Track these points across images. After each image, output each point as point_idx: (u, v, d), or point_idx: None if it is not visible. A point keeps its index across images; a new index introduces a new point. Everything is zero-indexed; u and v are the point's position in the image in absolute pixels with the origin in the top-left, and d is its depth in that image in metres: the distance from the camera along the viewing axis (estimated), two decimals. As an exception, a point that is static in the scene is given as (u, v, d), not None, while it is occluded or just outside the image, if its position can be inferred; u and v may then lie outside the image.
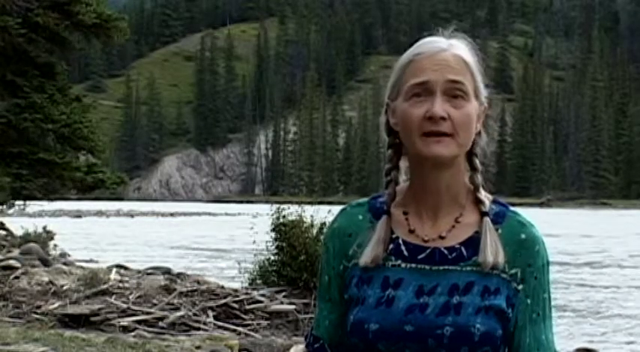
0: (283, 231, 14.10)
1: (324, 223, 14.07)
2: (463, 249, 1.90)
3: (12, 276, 14.63)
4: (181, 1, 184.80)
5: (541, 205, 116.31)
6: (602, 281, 26.53)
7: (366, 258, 1.92)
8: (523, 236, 1.91)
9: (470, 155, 1.94)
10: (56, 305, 12.74)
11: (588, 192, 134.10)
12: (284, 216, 14.26)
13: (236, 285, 14.96)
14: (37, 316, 12.37)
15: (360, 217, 1.98)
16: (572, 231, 53.70)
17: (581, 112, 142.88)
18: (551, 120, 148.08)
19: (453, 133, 1.85)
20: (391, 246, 1.92)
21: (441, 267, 1.88)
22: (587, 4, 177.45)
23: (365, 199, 2.03)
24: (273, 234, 14.30)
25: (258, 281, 14.47)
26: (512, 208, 1.97)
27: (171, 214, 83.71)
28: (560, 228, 53.08)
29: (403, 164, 1.98)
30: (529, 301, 1.90)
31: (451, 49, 1.90)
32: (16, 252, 18.88)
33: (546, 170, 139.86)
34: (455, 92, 1.87)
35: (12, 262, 15.97)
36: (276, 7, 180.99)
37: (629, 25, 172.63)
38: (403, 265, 1.90)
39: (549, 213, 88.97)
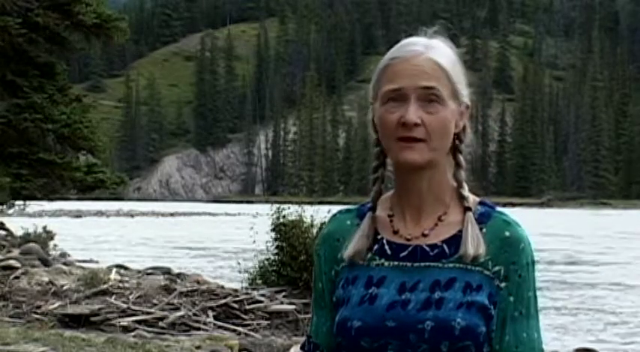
0: (283, 231, 14.11)
1: (324, 223, 14.05)
2: (445, 246, 1.91)
3: (12, 276, 14.64)
4: (181, 1, 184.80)
5: (541, 205, 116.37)
6: (601, 280, 26.53)
7: (348, 251, 1.95)
8: (507, 234, 1.92)
9: (454, 152, 1.96)
10: (56, 305, 12.74)
11: (588, 192, 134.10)
12: (284, 216, 14.27)
13: (236, 285, 14.97)
14: (37, 316, 12.37)
15: (349, 222, 2.02)
16: (572, 230, 53.68)
17: (581, 112, 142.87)
18: (551, 120, 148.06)
19: (427, 139, 1.87)
20: (376, 246, 1.95)
21: (423, 264, 1.90)
22: (587, 4, 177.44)
23: (354, 206, 2.06)
24: (273, 234, 14.31)
25: (258, 281, 14.47)
26: (499, 209, 1.97)
27: (171, 214, 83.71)
28: (560, 228, 53.08)
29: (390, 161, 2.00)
30: (512, 299, 1.90)
31: (427, 53, 1.90)
32: (16, 252, 18.88)
33: (546, 170, 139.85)
34: (429, 97, 1.88)
35: (12, 262, 15.97)
36: (276, 7, 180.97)
37: (629, 25, 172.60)
38: (386, 263, 1.92)
39: (549, 213, 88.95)
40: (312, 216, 14.22)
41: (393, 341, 1.84)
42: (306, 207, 14.80)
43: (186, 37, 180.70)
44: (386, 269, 1.92)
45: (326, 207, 14.84)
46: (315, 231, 14.06)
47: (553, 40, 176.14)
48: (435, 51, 1.91)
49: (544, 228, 48.89)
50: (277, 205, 14.59)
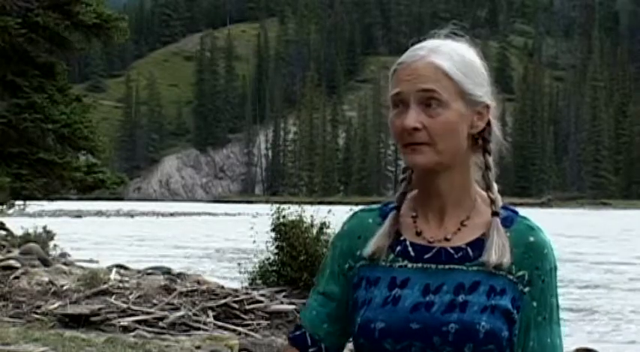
0: (283, 231, 14.12)
1: (324, 223, 14.10)
2: (469, 249, 1.91)
3: (12, 276, 14.64)
4: (181, 1, 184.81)
5: (541, 205, 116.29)
6: (600, 280, 26.53)
7: (369, 248, 1.94)
8: (532, 239, 1.92)
9: (483, 153, 1.96)
10: (56, 305, 12.73)
11: (588, 192, 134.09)
12: (284, 216, 14.28)
13: (236, 285, 14.97)
14: (37, 316, 12.36)
15: (370, 220, 2.00)
16: (572, 231, 53.69)
17: (581, 112, 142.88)
18: (551, 120, 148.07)
19: (430, 142, 1.87)
20: (398, 247, 1.94)
21: (447, 266, 1.89)
22: (587, 4, 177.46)
23: (377, 205, 2.05)
24: (273, 234, 14.32)
25: (258, 281, 14.48)
26: (521, 213, 1.97)
27: (171, 214, 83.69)
28: (559, 228, 53.07)
29: None
30: (535, 304, 1.90)
31: (428, 57, 1.89)
32: (16, 252, 18.89)
33: (546, 170, 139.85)
34: (428, 101, 1.87)
35: (12, 262, 15.97)
36: (276, 7, 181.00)
37: (629, 25, 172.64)
38: (410, 265, 1.91)
39: (549, 212, 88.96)
40: (312, 216, 14.22)
41: (416, 342, 1.84)
42: (306, 207, 14.80)
43: (186, 37, 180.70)
44: (409, 270, 1.91)
45: (326, 207, 14.89)
46: (315, 231, 14.07)
47: (553, 40, 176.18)
48: (438, 54, 1.90)
49: (544, 228, 48.80)
50: (277, 205, 14.59)
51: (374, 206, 2.05)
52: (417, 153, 1.87)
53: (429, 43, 1.93)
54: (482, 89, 1.94)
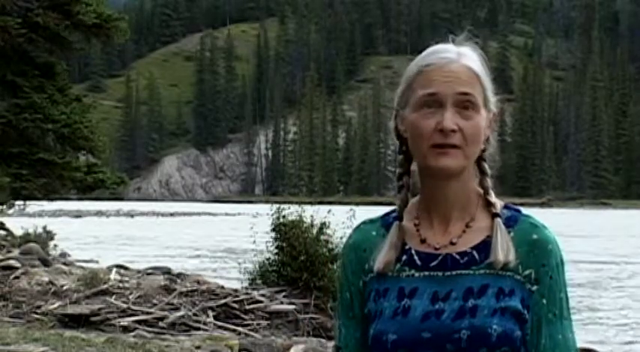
0: (283, 231, 14.10)
1: (324, 223, 14.08)
2: (475, 252, 1.90)
3: (12, 276, 14.64)
4: (181, 1, 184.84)
5: (541, 205, 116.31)
6: (601, 279, 26.53)
7: (378, 263, 1.94)
8: (535, 236, 1.91)
9: (479, 160, 1.96)
10: (56, 305, 12.73)
11: (588, 192, 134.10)
12: (284, 216, 14.26)
13: (236, 285, 14.97)
14: (37, 316, 12.36)
15: (374, 233, 2.00)
16: (572, 231, 53.72)
17: (581, 112, 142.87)
18: (551, 120, 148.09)
19: (462, 145, 1.87)
20: (404, 257, 1.93)
21: (454, 272, 1.89)
22: (587, 4, 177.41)
23: (378, 216, 2.04)
24: (273, 234, 14.30)
25: (258, 281, 14.46)
26: (524, 212, 1.98)
27: (171, 214, 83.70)
28: (560, 228, 53.07)
29: (415, 168, 1.98)
30: (544, 301, 1.90)
31: (461, 60, 1.90)
32: (16, 252, 18.87)
33: (546, 170, 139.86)
34: (465, 104, 1.88)
35: (12, 262, 15.96)
36: (276, 7, 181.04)
37: (629, 25, 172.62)
38: (417, 274, 1.91)
39: (549, 213, 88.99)
40: (312, 216, 14.21)
41: (429, 351, 1.84)
42: (306, 207, 14.79)
43: (186, 37, 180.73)
44: (417, 280, 1.91)
45: (326, 207, 14.88)
46: (315, 231, 14.06)
47: (553, 40, 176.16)
48: (467, 58, 1.92)
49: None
50: (277, 205, 14.57)
51: (374, 217, 2.04)
52: (448, 157, 1.87)
53: (451, 47, 1.93)
54: (494, 98, 1.96)
